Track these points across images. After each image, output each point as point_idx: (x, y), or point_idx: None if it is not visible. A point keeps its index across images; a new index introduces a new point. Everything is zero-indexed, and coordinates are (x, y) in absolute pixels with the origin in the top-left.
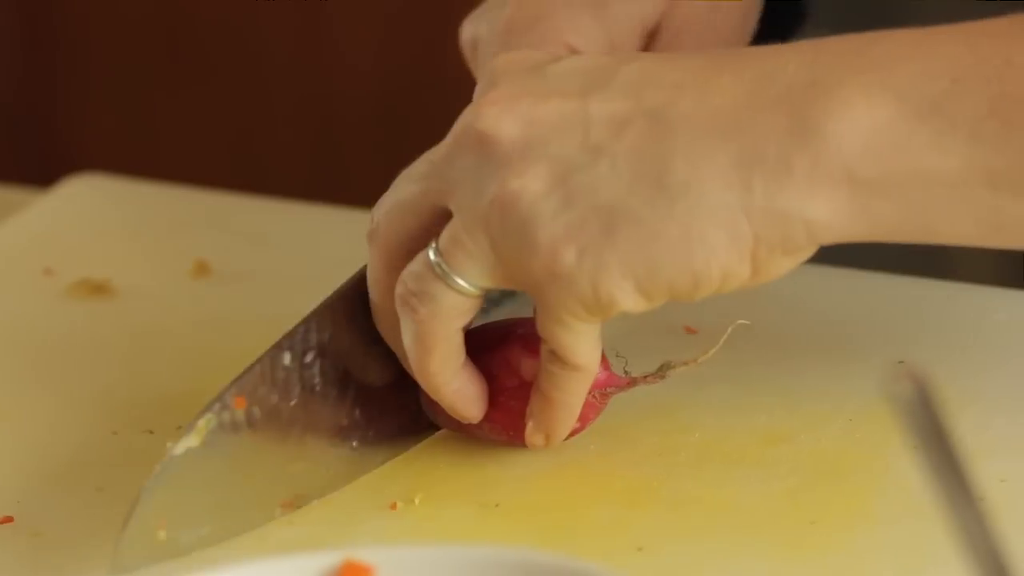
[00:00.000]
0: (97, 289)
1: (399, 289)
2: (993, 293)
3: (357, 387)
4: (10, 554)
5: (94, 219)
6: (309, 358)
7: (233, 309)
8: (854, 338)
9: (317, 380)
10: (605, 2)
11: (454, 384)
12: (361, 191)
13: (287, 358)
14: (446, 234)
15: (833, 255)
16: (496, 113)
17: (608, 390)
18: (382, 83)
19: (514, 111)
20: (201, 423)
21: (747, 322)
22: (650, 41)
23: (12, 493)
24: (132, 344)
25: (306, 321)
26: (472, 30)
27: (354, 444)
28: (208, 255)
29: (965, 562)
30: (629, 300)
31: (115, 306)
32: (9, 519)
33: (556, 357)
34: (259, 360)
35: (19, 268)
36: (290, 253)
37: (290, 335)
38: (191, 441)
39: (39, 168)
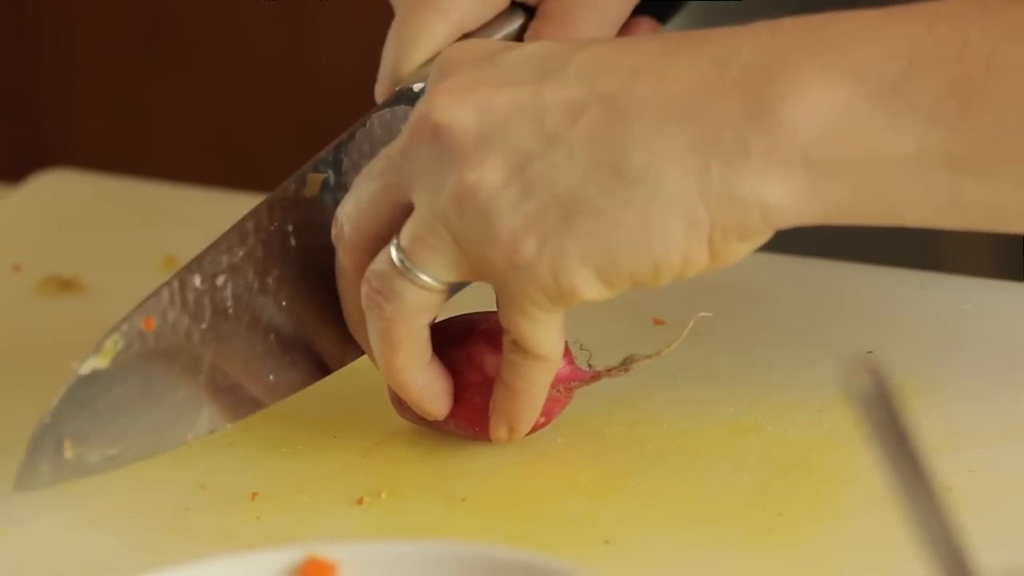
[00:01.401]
0: (66, 285)
1: (364, 288)
2: (960, 282)
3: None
4: None
5: (63, 215)
6: (220, 280)
7: None
8: (821, 329)
9: (229, 303)
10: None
11: (420, 381)
12: None
13: (197, 280)
14: (407, 230)
15: (820, 246)
16: (449, 104)
17: (572, 384)
18: (366, 77)
19: (468, 101)
20: (108, 344)
21: (709, 314)
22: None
23: None
24: None
25: (216, 244)
26: None
27: (270, 375)
28: (177, 250)
29: (929, 554)
30: (590, 288)
31: (84, 302)
32: None
33: (519, 347)
34: (167, 283)
35: None
36: None
37: (199, 258)
38: (98, 362)
39: (21, 163)
